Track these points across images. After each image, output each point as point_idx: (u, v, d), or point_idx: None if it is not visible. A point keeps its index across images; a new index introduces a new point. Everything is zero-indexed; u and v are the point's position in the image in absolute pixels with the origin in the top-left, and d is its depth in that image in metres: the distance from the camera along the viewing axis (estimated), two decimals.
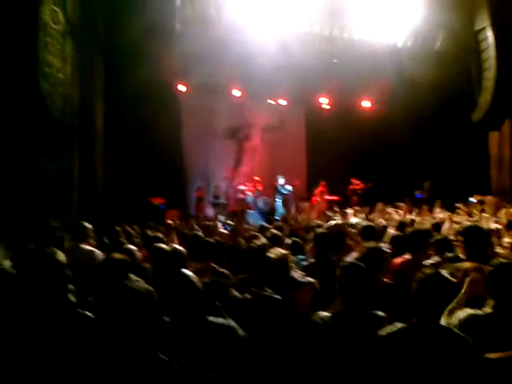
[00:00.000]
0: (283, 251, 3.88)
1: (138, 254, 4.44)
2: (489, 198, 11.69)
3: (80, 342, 2.59)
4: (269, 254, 3.76)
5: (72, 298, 2.71)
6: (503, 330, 2.75)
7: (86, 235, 5.22)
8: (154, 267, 4.04)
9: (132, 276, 3.70)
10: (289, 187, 15.69)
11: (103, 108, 11.58)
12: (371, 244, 4.51)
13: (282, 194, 15.57)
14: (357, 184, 16.04)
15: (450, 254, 5.03)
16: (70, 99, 10.15)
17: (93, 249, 4.98)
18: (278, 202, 15.54)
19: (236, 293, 3.47)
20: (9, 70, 8.22)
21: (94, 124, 11.19)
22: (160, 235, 5.52)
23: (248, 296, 3.27)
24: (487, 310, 2.96)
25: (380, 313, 3.12)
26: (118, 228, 6.67)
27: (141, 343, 1.79)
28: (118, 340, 1.81)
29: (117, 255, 3.55)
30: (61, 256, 3.15)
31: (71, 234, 5.26)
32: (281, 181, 15.64)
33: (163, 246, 4.25)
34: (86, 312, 2.82)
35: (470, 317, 2.92)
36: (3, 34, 8.13)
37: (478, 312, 2.96)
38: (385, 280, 4.04)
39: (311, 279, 3.93)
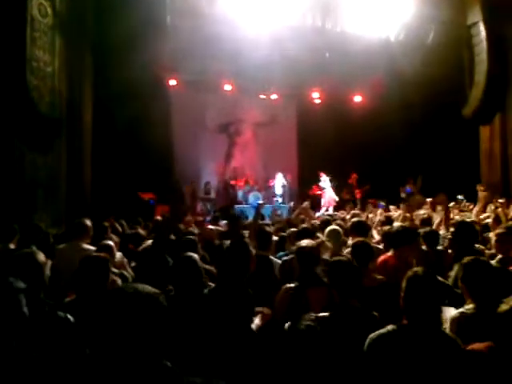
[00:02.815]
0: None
1: (119, 253, 4.36)
2: (480, 194, 11.71)
3: (61, 346, 2.52)
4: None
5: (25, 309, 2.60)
6: (483, 324, 2.73)
7: (86, 233, 5.11)
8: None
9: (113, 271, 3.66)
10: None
11: (92, 102, 11.46)
12: (360, 239, 4.45)
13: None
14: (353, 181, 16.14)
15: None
16: (59, 93, 10.04)
17: (92, 248, 4.83)
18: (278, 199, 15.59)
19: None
20: None
21: (82, 118, 11.08)
22: (141, 232, 5.44)
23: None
24: (469, 305, 2.97)
25: (372, 312, 3.07)
26: (106, 223, 6.60)
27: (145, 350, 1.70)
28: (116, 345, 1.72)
29: (96, 253, 3.49)
30: (41, 257, 3.07)
31: (71, 233, 5.15)
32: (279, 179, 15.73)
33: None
34: (68, 315, 2.75)
35: (459, 315, 2.92)
36: None
37: (464, 309, 2.96)
38: (378, 277, 3.97)
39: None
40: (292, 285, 3.66)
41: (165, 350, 1.73)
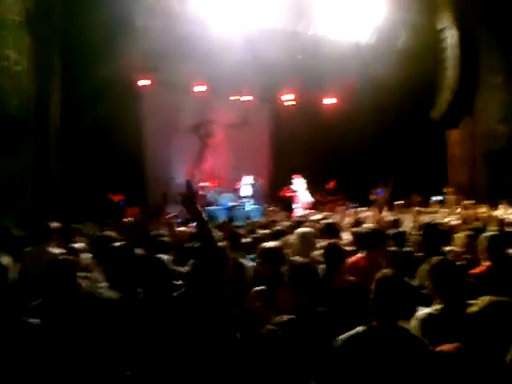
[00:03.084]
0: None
1: (87, 255, 4.29)
2: (449, 196, 11.93)
3: (26, 351, 2.46)
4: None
5: None
6: (451, 325, 2.77)
7: (54, 236, 5.00)
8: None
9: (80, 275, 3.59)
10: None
11: (61, 102, 11.26)
12: (332, 241, 4.48)
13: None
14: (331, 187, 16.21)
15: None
16: (27, 94, 9.83)
17: (59, 251, 4.72)
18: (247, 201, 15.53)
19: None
20: None
21: (50, 119, 10.85)
22: (110, 234, 5.36)
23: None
24: (437, 306, 3.00)
25: (333, 314, 3.08)
26: (74, 226, 6.50)
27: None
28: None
29: (62, 256, 3.43)
30: (5, 260, 2.99)
31: (38, 236, 5.04)
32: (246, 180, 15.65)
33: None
34: (31, 319, 2.69)
35: (427, 316, 2.94)
36: None
37: (431, 310, 2.99)
38: (349, 278, 3.98)
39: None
40: (260, 288, 3.66)
41: (127, 355, 1.73)
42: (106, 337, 1.72)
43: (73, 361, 1.72)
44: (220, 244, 3.73)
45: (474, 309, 2.25)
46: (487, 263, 4.04)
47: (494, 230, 5.16)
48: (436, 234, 4.53)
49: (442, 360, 2.34)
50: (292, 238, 5.21)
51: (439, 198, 10.17)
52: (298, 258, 3.91)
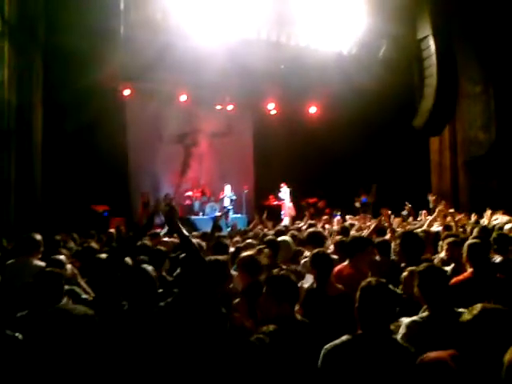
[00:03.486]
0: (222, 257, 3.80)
1: (69, 266, 4.25)
2: (433, 203, 12.03)
3: (7, 365, 2.43)
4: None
5: None
6: (439, 331, 2.78)
7: (36, 248, 4.93)
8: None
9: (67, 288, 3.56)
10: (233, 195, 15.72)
11: (42, 112, 11.16)
12: (320, 250, 4.47)
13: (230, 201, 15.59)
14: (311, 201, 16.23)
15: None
16: (8, 103, 9.74)
17: (43, 264, 4.65)
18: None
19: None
20: None
21: (32, 129, 10.75)
22: (94, 245, 5.31)
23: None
24: (424, 314, 3.01)
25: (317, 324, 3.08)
26: (57, 237, 6.42)
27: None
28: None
29: (50, 268, 3.41)
30: None
31: (20, 248, 4.96)
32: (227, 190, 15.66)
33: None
34: (16, 334, 2.66)
35: (413, 323, 2.94)
36: None
37: (418, 317, 2.99)
38: (338, 286, 3.98)
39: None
40: (239, 298, 3.67)
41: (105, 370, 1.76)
42: (78, 353, 1.74)
43: (47, 376, 1.74)
44: (222, 258, 3.73)
45: (467, 317, 2.25)
46: (470, 270, 4.09)
47: (476, 237, 5.22)
48: (413, 242, 4.53)
49: (435, 367, 2.33)
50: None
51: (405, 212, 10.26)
52: (277, 270, 3.92)
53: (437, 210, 7.78)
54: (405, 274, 3.77)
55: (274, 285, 3.10)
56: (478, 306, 2.25)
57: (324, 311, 3.47)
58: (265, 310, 3.19)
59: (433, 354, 2.29)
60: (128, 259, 3.78)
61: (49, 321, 1.80)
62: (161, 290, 3.58)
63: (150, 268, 3.10)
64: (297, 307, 3.25)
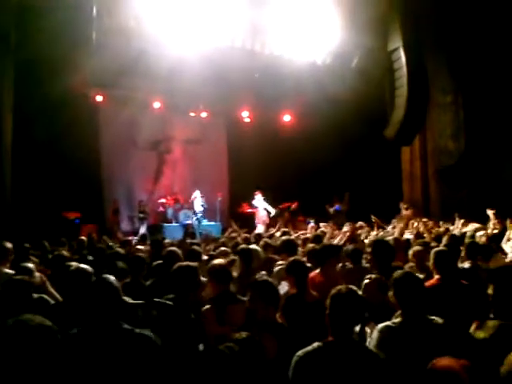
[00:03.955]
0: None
1: (37, 274, 4.18)
2: (404, 212, 12.21)
3: None
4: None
5: None
6: (412, 337, 2.84)
7: (6, 257, 4.83)
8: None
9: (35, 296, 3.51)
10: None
11: (13, 119, 10.98)
12: (294, 258, 4.52)
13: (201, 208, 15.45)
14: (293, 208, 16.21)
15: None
16: None
17: (12, 272, 4.54)
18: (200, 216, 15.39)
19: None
20: None
21: (2, 136, 10.57)
22: (65, 253, 5.24)
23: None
24: (397, 319, 3.06)
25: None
26: (27, 245, 6.32)
27: None
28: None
29: (19, 276, 3.36)
30: None
31: None
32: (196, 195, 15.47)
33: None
34: None
35: (386, 328, 2.97)
36: None
37: (391, 322, 3.04)
38: (313, 293, 4.04)
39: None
40: (209, 306, 3.71)
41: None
42: (35, 364, 1.75)
43: None
44: (193, 265, 3.75)
45: (482, 335, 2.24)
46: (437, 277, 4.17)
47: (445, 245, 5.33)
48: (385, 250, 4.60)
49: (445, 376, 2.29)
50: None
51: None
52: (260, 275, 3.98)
53: (403, 214, 7.90)
54: (366, 281, 3.85)
55: (261, 289, 3.19)
56: (492, 323, 2.24)
57: (304, 317, 3.51)
58: (234, 317, 3.23)
59: (444, 362, 2.22)
60: (88, 267, 3.73)
61: (4, 332, 1.80)
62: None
63: (112, 278, 2.97)
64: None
